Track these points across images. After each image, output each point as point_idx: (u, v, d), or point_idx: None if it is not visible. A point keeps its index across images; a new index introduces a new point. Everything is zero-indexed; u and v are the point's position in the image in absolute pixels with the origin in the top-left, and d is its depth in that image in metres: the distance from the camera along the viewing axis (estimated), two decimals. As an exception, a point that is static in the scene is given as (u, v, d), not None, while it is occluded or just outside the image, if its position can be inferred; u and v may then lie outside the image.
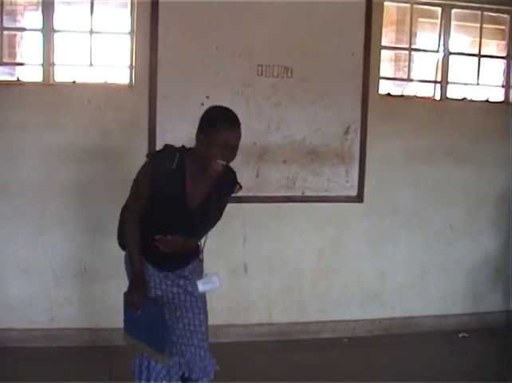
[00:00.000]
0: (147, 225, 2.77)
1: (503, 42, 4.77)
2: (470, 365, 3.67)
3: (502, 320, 4.89)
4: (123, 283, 3.90)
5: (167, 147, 2.73)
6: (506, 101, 4.77)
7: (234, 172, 2.83)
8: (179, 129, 3.93)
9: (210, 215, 2.79)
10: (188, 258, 2.89)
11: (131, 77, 4.06)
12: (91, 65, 4.02)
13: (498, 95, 4.78)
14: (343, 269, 4.50)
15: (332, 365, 4.04)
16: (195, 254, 2.93)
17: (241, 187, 2.88)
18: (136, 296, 2.74)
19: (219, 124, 2.57)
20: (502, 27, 4.75)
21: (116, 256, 3.88)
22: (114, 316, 3.96)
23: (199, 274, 2.92)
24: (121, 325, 3.81)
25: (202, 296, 2.92)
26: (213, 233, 3.99)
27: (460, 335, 4.70)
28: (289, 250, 4.37)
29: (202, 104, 3.92)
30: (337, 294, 4.53)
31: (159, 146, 3.83)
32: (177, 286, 2.87)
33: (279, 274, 4.39)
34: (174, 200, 2.69)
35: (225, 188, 2.79)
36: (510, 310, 4.91)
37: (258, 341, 4.36)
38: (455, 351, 4.41)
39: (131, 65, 4.04)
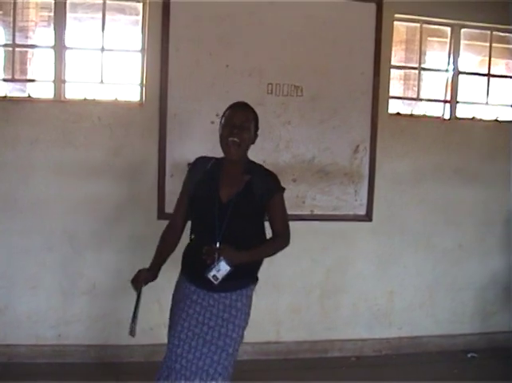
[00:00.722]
0: (193, 236, 2.96)
1: (512, 62, 4.83)
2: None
3: (510, 340, 4.91)
4: (131, 300, 3.98)
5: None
6: (514, 120, 4.81)
7: (273, 175, 2.95)
8: (189, 147, 4.02)
9: (242, 211, 2.83)
10: (237, 281, 2.90)
11: (141, 95, 4.13)
12: (102, 82, 4.10)
13: (507, 114, 4.82)
14: (351, 288, 4.54)
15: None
16: (245, 278, 2.99)
17: (283, 189, 2.98)
18: (137, 276, 3.02)
19: (228, 108, 2.91)
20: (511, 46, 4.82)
21: (124, 273, 3.96)
22: (122, 333, 4.02)
23: (241, 319, 2.99)
24: (129, 342, 3.89)
25: (229, 336, 2.91)
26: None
27: (469, 355, 4.73)
28: (297, 269, 4.41)
29: (213, 122, 3.99)
30: (345, 313, 4.57)
31: (169, 164, 3.92)
32: (210, 313, 2.89)
33: (287, 292, 4.43)
34: (208, 196, 2.83)
35: (264, 190, 2.87)
36: (521, 331, 4.94)
37: (266, 360, 4.41)
38: (464, 371, 4.44)
39: (142, 82, 4.11)
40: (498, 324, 4.90)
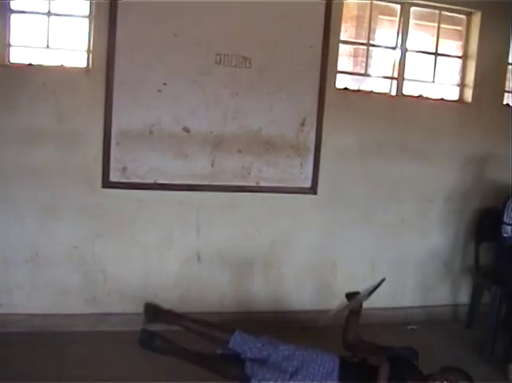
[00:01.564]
0: None
1: (459, 43, 5.02)
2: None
3: (449, 313, 5.19)
4: (74, 268, 4.08)
5: None
6: (460, 100, 5.04)
7: None
8: (136, 115, 4.12)
9: None
10: None
11: (88, 62, 4.17)
12: (48, 47, 4.13)
13: (452, 93, 5.02)
14: (294, 259, 4.72)
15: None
16: None
17: None
18: None
19: None
20: (459, 28, 5.02)
21: (68, 241, 4.05)
22: (65, 301, 4.14)
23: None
24: (72, 311, 3.98)
25: None
26: (166, 220, 4.19)
27: (408, 327, 4.97)
28: (242, 240, 4.56)
29: (160, 91, 4.08)
30: (288, 285, 4.75)
31: (115, 132, 3.99)
32: None
33: (231, 263, 4.57)
34: None
35: None
36: (457, 304, 5.23)
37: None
38: (402, 342, 4.63)
39: (89, 49, 4.16)
40: (438, 297, 5.18)
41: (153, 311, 3.57)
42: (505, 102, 5.18)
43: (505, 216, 4.53)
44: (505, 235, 4.55)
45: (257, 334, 3.49)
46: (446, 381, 3.32)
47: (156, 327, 3.51)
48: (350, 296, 3.69)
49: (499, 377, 4.24)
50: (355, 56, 4.99)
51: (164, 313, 3.58)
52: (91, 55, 4.15)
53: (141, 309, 4.23)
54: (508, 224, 4.51)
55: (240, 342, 3.40)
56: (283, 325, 4.70)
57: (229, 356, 3.43)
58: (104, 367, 3.83)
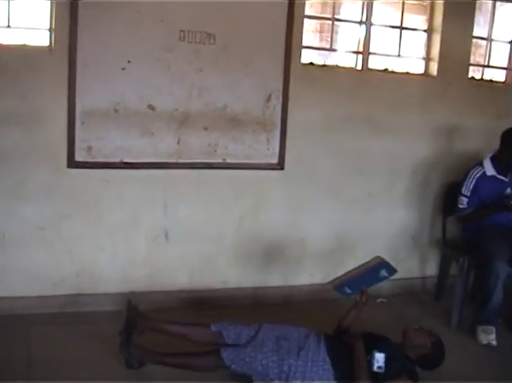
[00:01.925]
0: None
1: (424, 17, 5.14)
2: (385, 329, 4.02)
3: (418, 285, 5.33)
4: (42, 250, 4.12)
5: None
6: (425, 73, 5.16)
7: None
8: (100, 94, 4.15)
9: None
10: None
11: (50, 40, 4.17)
12: (9, 26, 4.11)
13: (418, 67, 5.13)
14: (263, 236, 4.81)
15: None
16: None
17: None
18: None
19: None
20: (424, 3, 5.13)
21: (34, 223, 4.09)
22: (33, 284, 4.18)
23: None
24: (40, 293, 4.02)
25: None
26: (133, 199, 4.24)
27: (378, 300, 5.10)
28: (209, 217, 4.63)
29: (124, 68, 4.11)
30: (257, 261, 4.84)
31: (79, 111, 4.02)
32: None
33: (200, 240, 4.64)
34: None
35: None
36: (426, 276, 5.38)
37: (179, 308, 4.61)
38: (373, 315, 4.76)
39: (51, 27, 4.15)
40: (406, 270, 5.27)
41: (132, 313, 3.61)
42: (470, 75, 5.29)
43: (463, 188, 4.66)
44: (460, 206, 4.69)
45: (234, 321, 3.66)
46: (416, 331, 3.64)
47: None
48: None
49: (468, 345, 4.42)
50: (320, 31, 5.05)
51: (142, 319, 3.63)
52: (53, 34, 4.14)
53: (111, 290, 4.36)
54: (465, 196, 4.65)
55: (220, 323, 3.62)
56: (253, 302, 4.83)
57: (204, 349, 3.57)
58: (74, 348, 3.89)
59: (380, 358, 3.50)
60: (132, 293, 3.60)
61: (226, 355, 3.42)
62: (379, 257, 3.85)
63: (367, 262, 3.85)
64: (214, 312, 4.57)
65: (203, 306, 4.69)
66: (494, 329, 4.46)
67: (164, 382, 3.54)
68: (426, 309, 5.02)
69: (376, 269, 3.83)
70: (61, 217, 4.28)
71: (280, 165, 4.68)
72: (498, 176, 4.67)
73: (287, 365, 3.43)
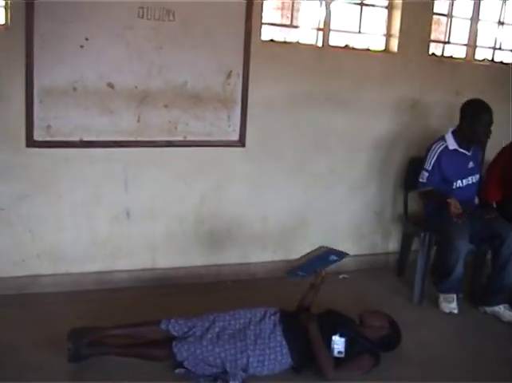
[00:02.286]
0: None
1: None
2: (347, 305, 4.14)
3: (380, 261, 5.47)
4: (2, 231, 4.14)
5: None
6: (386, 50, 5.26)
7: None
8: (59, 72, 4.17)
9: None
10: None
11: (6, 18, 4.17)
12: (-38, 3, 4.10)
13: (379, 43, 5.23)
14: (225, 213, 4.89)
15: (215, 306, 4.36)
16: None
17: None
18: None
19: None
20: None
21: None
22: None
23: None
24: (1, 273, 4.07)
25: None
26: (93, 178, 4.29)
27: (341, 276, 5.25)
28: (171, 195, 4.69)
29: (82, 46, 4.14)
30: (220, 238, 4.94)
31: (37, 90, 4.04)
32: None
33: (162, 219, 4.71)
34: None
35: None
36: (388, 252, 5.53)
37: (142, 287, 4.71)
38: (336, 291, 4.89)
39: (6, 4, 4.15)
40: (369, 246, 5.48)
41: (78, 334, 3.56)
42: (430, 52, 5.41)
43: (426, 162, 4.76)
44: (420, 181, 4.80)
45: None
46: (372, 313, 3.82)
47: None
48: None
49: (430, 317, 4.60)
50: (281, 8, 5.11)
51: (88, 330, 3.60)
52: (9, 10, 4.13)
53: (72, 270, 4.41)
54: (426, 170, 4.75)
55: (168, 320, 3.60)
56: (215, 279, 4.93)
57: (155, 340, 3.62)
58: (36, 329, 3.95)
59: (339, 343, 3.63)
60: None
61: (178, 350, 3.44)
62: (323, 246, 4.02)
63: (313, 251, 4.00)
64: (177, 290, 4.69)
65: (166, 284, 4.78)
66: (455, 297, 4.66)
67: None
68: (388, 285, 5.18)
69: (325, 255, 3.97)
70: (20, 197, 4.31)
71: (241, 142, 4.76)
72: (460, 150, 4.79)
73: (245, 358, 3.50)
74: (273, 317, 3.68)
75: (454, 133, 4.78)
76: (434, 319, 4.60)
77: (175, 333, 3.53)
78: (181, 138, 4.57)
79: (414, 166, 5.13)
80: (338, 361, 3.62)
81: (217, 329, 3.55)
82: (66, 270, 4.56)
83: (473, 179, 4.89)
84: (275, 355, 3.54)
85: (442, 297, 4.71)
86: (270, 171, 4.95)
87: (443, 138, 4.80)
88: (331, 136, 5.06)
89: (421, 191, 4.86)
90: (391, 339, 3.86)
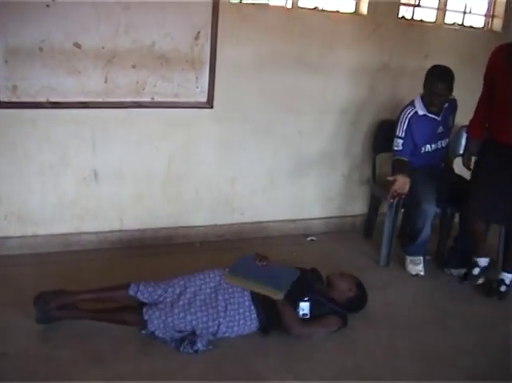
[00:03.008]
0: None
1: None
2: (315, 266, 4.31)
3: (348, 224, 5.68)
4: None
5: None
6: (355, 12, 5.38)
7: None
8: (24, 32, 4.22)
9: None
10: None
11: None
12: None
13: (348, 6, 5.36)
14: (193, 175, 5.04)
15: (184, 267, 4.52)
16: None
17: None
18: None
19: None
20: None
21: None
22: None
23: None
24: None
25: None
26: (61, 139, 4.38)
27: (308, 238, 5.46)
28: (139, 157, 4.82)
29: (48, 5, 4.20)
30: (188, 200, 5.09)
31: (2, 50, 4.12)
32: None
33: (130, 180, 4.84)
34: None
35: None
36: (356, 215, 5.74)
37: (110, 249, 4.88)
38: (304, 252, 5.12)
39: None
40: (337, 209, 5.67)
41: (45, 299, 3.68)
42: (400, 15, 5.56)
43: (397, 129, 4.90)
44: (395, 149, 4.92)
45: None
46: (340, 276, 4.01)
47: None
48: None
49: (397, 279, 4.84)
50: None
51: (56, 294, 3.71)
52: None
53: (40, 232, 4.53)
54: (400, 137, 4.88)
55: (137, 286, 3.69)
56: (184, 241, 5.10)
57: (126, 305, 3.75)
58: (3, 291, 4.11)
59: (305, 307, 3.85)
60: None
61: (149, 318, 3.54)
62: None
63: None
64: (145, 251, 4.86)
65: (134, 246, 4.95)
66: (421, 259, 4.91)
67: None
68: (355, 247, 5.41)
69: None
70: (-14, 159, 4.38)
71: (209, 104, 4.86)
72: (430, 115, 4.91)
73: (217, 325, 3.67)
74: None
75: (422, 98, 4.87)
76: (400, 281, 4.84)
77: (145, 300, 3.61)
78: (149, 99, 4.67)
79: (382, 129, 5.31)
80: (304, 320, 3.83)
81: (188, 296, 3.65)
82: (33, 232, 4.68)
83: (442, 143, 5.05)
84: (244, 320, 3.73)
85: (409, 259, 4.94)
86: (239, 133, 5.08)
87: (412, 103, 4.89)
88: (300, 98, 5.19)
89: (396, 158, 4.95)
90: (358, 301, 4.08)
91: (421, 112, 4.85)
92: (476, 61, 5.05)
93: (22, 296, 3.94)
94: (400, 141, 4.89)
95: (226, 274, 3.88)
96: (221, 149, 5.07)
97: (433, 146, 5.01)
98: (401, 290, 4.70)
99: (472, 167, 4.84)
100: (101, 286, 3.81)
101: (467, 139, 4.90)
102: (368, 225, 5.58)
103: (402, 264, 5.00)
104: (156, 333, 3.55)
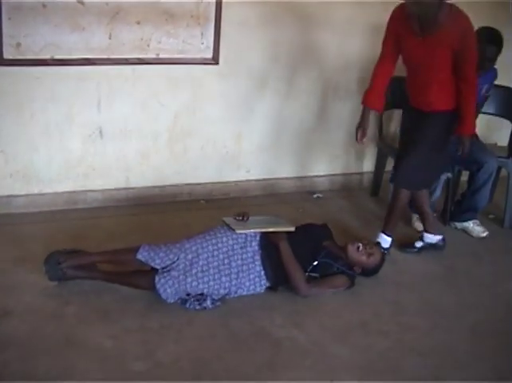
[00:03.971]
0: None
1: None
2: (319, 221, 4.39)
3: (354, 181, 5.73)
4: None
5: None
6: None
7: None
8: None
9: None
10: None
11: None
12: None
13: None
14: (199, 131, 5.09)
15: (189, 224, 4.64)
16: None
17: None
18: None
19: None
20: None
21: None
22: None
23: None
24: None
25: None
26: (66, 97, 4.40)
27: (315, 196, 5.53)
28: (144, 114, 4.86)
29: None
30: (194, 157, 5.15)
31: (6, 6, 4.13)
32: None
33: (135, 137, 4.90)
34: None
35: None
36: (362, 172, 5.82)
37: (116, 206, 4.95)
38: (310, 209, 5.18)
39: None
40: (343, 166, 5.73)
41: (56, 258, 3.72)
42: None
43: None
44: None
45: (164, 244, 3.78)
46: (360, 244, 4.00)
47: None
48: None
49: (402, 238, 4.82)
50: None
51: (68, 255, 3.76)
52: None
53: (46, 190, 4.59)
54: None
55: (147, 251, 3.67)
56: (189, 198, 5.18)
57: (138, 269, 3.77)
58: (10, 249, 4.18)
59: (313, 269, 3.91)
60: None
61: (162, 286, 3.54)
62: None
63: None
64: (151, 209, 4.94)
65: (140, 204, 5.03)
66: None
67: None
68: (362, 205, 5.49)
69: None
70: (-8, 117, 4.44)
71: (215, 60, 4.88)
72: None
73: (227, 291, 3.73)
74: (254, 243, 3.86)
75: None
76: (406, 238, 4.84)
77: (157, 266, 3.60)
78: (154, 55, 4.69)
79: (390, 85, 5.22)
80: (312, 279, 3.91)
81: (201, 263, 3.65)
82: (39, 191, 4.76)
83: None
84: (254, 286, 3.81)
85: (415, 217, 5.01)
86: (244, 89, 5.11)
87: None
88: (306, 54, 5.20)
89: None
90: (373, 270, 4.14)
91: None
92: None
93: (29, 254, 4.05)
94: None
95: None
96: (226, 106, 5.11)
97: None
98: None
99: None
100: (112, 249, 3.87)
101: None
102: (375, 182, 5.63)
103: (408, 221, 5.05)
104: (168, 300, 3.57)
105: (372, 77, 4.40)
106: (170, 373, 3.12)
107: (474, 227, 4.99)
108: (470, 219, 5.01)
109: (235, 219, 3.99)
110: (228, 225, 3.92)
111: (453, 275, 4.44)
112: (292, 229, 3.90)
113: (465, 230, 5.01)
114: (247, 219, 3.99)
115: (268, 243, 3.86)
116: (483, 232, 4.96)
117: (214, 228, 3.92)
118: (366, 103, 4.44)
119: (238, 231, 3.84)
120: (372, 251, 4.04)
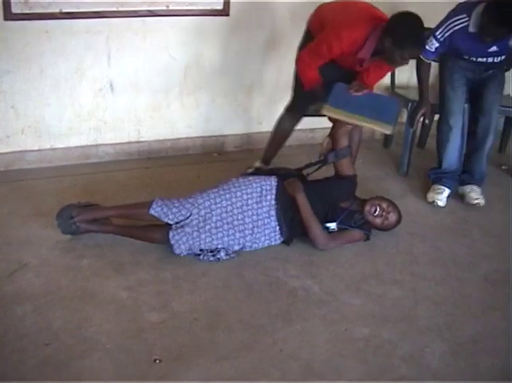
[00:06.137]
0: None
1: None
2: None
3: (367, 132, 5.61)
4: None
5: None
6: None
7: None
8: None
9: None
10: None
11: None
12: None
13: None
14: (210, 84, 5.11)
15: (202, 177, 4.69)
16: None
17: None
18: None
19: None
20: None
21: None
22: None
23: None
24: None
25: None
26: (75, 51, 4.39)
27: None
28: (155, 67, 4.87)
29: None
30: (205, 110, 5.19)
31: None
32: None
33: (146, 91, 4.92)
34: None
35: None
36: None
37: (128, 160, 5.03)
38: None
39: None
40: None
41: (69, 212, 3.78)
42: None
43: (439, 31, 4.31)
44: (427, 47, 4.39)
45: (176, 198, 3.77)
46: (378, 207, 4.01)
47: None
48: None
49: (415, 189, 4.94)
50: None
51: (81, 209, 3.81)
52: None
53: (58, 145, 4.62)
54: (437, 40, 4.35)
55: (160, 207, 3.67)
56: (201, 151, 5.23)
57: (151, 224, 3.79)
58: (23, 204, 4.24)
59: (331, 225, 3.96)
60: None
61: (176, 242, 3.59)
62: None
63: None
64: (163, 162, 4.99)
65: (152, 157, 5.09)
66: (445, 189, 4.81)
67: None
68: (375, 157, 5.54)
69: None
70: (1, 72, 4.46)
71: (225, 11, 4.86)
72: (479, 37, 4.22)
73: (242, 246, 3.79)
74: (269, 197, 3.86)
75: (482, 16, 4.09)
76: (419, 190, 4.95)
77: (170, 222, 3.63)
78: (163, 7, 4.67)
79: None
80: (329, 232, 3.96)
81: (214, 219, 3.66)
82: (51, 146, 4.82)
83: (495, 59, 4.45)
84: (269, 241, 3.87)
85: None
86: (256, 41, 5.10)
87: (469, 12, 4.18)
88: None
89: (424, 61, 4.55)
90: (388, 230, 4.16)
91: (472, 29, 4.20)
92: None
93: (42, 208, 4.13)
94: (436, 44, 4.36)
95: (325, 106, 4.04)
96: (238, 58, 5.11)
97: (483, 59, 4.47)
98: (420, 199, 4.83)
99: None
100: (125, 203, 3.92)
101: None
102: (387, 134, 5.57)
103: (421, 173, 5.09)
104: (182, 255, 3.63)
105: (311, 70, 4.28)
106: (185, 323, 3.19)
107: (471, 194, 4.83)
108: (468, 183, 4.86)
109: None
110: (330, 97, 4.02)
111: (466, 226, 4.49)
112: (388, 131, 4.15)
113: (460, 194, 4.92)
114: (365, 92, 4.15)
115: (284, 196, 3.89)
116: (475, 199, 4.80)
117: (229, 181, 3.92)
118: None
119: (323, 111, 4.07)
120: (388, 215, 4.05)
